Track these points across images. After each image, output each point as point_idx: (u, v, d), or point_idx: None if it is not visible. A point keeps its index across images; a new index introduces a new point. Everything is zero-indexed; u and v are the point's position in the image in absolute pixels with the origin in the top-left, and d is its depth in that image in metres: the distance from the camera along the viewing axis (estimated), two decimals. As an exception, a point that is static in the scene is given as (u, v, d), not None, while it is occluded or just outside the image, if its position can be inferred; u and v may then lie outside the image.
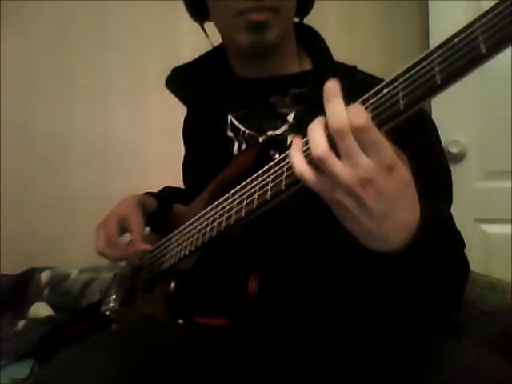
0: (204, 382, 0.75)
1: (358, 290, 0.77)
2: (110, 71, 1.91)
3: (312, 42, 0.89)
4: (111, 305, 0.96)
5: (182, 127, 1.03)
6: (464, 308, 1.02)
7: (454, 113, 1.64)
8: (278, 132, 0.83)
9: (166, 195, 1.02)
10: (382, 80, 0.81)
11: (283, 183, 0.61)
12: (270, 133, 0.83)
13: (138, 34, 1.91)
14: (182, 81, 0.93)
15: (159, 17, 1.90)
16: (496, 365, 0.62)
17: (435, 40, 1.86)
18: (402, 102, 0.49)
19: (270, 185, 0.63)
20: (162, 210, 0.96)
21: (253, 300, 0.75)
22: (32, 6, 1.86)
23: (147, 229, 0.95)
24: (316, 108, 0.80)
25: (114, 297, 0.97)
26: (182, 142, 1.02)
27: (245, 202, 0.67)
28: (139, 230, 0.86)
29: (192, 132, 0.98)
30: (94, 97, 1.90)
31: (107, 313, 0.96)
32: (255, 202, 0.65)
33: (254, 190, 0.66)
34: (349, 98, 0.79)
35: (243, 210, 0.67)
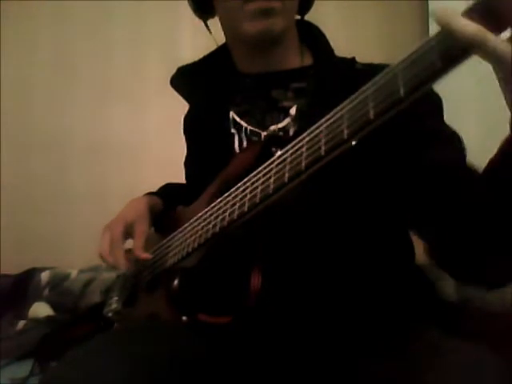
0: (208, 379, 0.75)
1: (362, 284, 0.77)
2: (110, 71, 1.91)
3: (313, 38, 0.89)
4: (114, 306, 0.96)
5: (182, 125, 1.02)
6: (464, 308, 1.02)
7: (454, 113, 1.63)
8: (280, 125, 0.83)
9: (170, 194, 1.02)
10: (382, 65, 0.82)
11: (286, 176, 0.61)
12: (272, 127, 0.83)
13: (138, 34, 1.92)
14: (186, 80, 0.94)
15: (159, 16, 1.90)
16: (494, 366, 0.62)
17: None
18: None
19: (273, 178, 0.63)
20: (167, 211, 0.97)
21: (255, 297, 0.75)
22: (32, 5, 1.86)
23: (152, 229, 0.95)
24: (316, 100, 0.80)
25: (117, 298, 0.97)
26: (184, 139, 1.02)
27: (248, 196, 0.67)
28: (142, 239, 0.87)
29: (194, 129, 0.98)
30: (94, 96, 1.90)
31: (110, 314, 0.96)
32: (258, 196, 0.65)
33: (256, 184, 0.67)
34: (348, 87, 0.79)
35: (246, 205, 0.67)
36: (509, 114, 0.47)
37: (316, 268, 0.77)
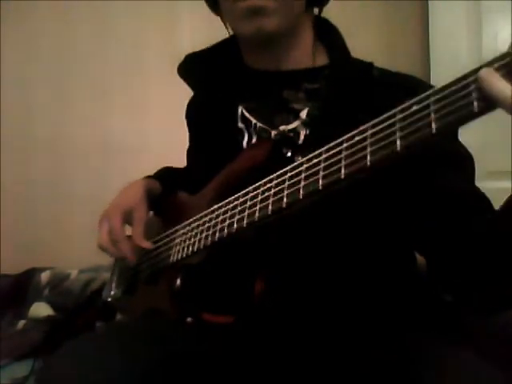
0: (209, 378, 0.75)
1: (364, 288, 0.78)
2: (109, 71, 1.91)
3: (330, 37, 0.86)
4: (113, 292, 0.95)
5: (185, 111, 1.00)
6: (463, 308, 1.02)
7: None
8: (290, 127, 0.80)
9: (169, 178, 1.00)
10: (400, 75, 0.81)
11: (301, 193, 0.59)
12: (282, 128, 0.81)
13: (138, 33, 1.91)
14: (193, 68, 0.91)
15: (159, 17, 1.90)
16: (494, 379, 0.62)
17: (435, 40, 1.87)
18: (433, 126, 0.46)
19: (286, 192, 0.61)
20: (166, 194, 0.95)
21: (259, 300, 0.75)
22: (32, 6, 1.86)
23: (150, 212, 0.93)
24: (330, 104, 0.79)
25: (116, 284, 0.95)
26: (187, 126, 1.00)
27: (258, 205, 0.65)
28: (141, 226, 0.85)
29: (200, 119, 0.95)
30: (94, 96, 1.90)
31: (109, 299, 0.95)
32: (269, 208, 0.63)
33: (268, 194, 0.64)
34: (364, 94, 0.78)
35: (256, 215, 0.65)
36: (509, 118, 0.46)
37: (319, 272, 0.77)
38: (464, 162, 0.76)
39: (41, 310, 1.53)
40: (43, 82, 1.89)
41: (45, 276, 1.64)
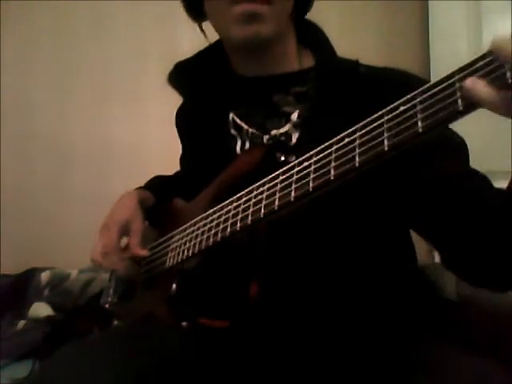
0: (205, 383, 0.75)
1: (363, 287, 0.77)
2: (109, 71, 1.91)
3: (314, 39, 0.87)
4: (110, 298, 0.96)
5: (175, 120, 1.01)
6: (464, 307, 1.02)
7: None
8: (282, 130, 0.81)
9: (160, 187, 1.01)
10: (388, 69, 0.81)
11: (292, 195, 0.60)
12: (274, 132, 0.81)
13: (137, 34, 1.91)
14: (183, 76, 0.92)
15: (158, 17, 1.90)
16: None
17: (435, 40, 1.87)
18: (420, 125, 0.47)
19: (278, 194, 0.62)
20: (159, 204, 0.96)
21: (254, 303, 0.75)
22: (32, 5, 1.86)
23: (146, 222, 0.95)
24: (319, 105, 0.79)
25: (114, 289, 0.97)
26: (178, 134, 1.00)
27: (251, 209, 0.66)
28: (138, 236, 0.87)
29: (191, 127, 0.96)
30: (94, 97, 1.90)
31: (106, 305, 0.96)
32: (262, 211, 0.64)
33: (260, 197, 0.65)
34: (352, 91, 0.79)
35: (249, 218, 0.66)
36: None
37: (317, 272, 0.77)
38: (458, 148, 0.75)
39: (41, 310, 1.53)
40: (43, 81, 1.89)
41: (45, 276, 1.64)
